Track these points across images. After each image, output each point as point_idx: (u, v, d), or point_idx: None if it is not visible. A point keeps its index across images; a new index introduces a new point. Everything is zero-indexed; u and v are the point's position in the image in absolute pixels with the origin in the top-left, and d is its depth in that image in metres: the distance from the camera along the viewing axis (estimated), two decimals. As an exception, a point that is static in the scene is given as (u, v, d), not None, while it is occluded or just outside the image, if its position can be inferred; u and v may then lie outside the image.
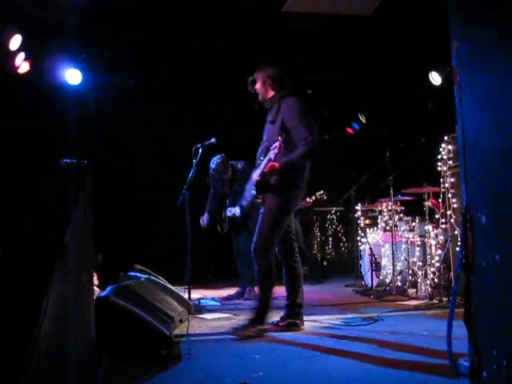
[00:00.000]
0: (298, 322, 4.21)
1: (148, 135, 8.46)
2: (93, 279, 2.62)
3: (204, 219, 6.46)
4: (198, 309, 5.27)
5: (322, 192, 7.15)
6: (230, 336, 3.99)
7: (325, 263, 9.62)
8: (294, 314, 4.23)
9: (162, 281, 4.91)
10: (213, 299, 6.09)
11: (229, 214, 6.32)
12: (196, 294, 6.24)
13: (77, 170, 2.12)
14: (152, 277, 4.81)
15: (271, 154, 4.03)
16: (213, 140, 5.77)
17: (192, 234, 5.52)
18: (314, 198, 7.22)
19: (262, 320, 4.12)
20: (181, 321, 4.30)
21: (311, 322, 4.49)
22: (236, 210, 6.19)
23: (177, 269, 5.85)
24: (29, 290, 1.63)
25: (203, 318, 4.87)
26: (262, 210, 4.22)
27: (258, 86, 4.37)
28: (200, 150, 5.63)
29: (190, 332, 4.03)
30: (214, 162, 6.26)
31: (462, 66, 2.09)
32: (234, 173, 6.33)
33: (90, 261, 2.30)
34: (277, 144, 3.97)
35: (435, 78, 7.52)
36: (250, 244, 4.29)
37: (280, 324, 4.20)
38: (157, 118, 8.36)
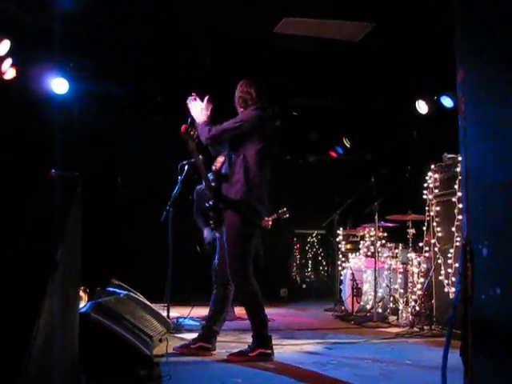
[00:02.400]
0: (269, 352, 3.89)
1: (134, 148, 8.37)
2: (79, 295, 2.53)
3: (207, 234, 6.37)
4: (176, 328, 5.16)
5: (284, 210, 7.03)
6: (210, 358, 3.89)
7: (304, 286, 9.57)
8: (262, 343, 3.92)
9: (141, 297, 4.81)
10: (192, 318, 5.97)
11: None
12: (175, 313, 6.14)
13: (69, 182, 2.05)
14: (131, 293, 4.70)
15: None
16: (200, 157, 5.73)
17: (173, 251, 5.45)
18: (275, 216, 7.11)
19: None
20: (160, 340, 4.20)
21: (293, 346, 4.42)
22: (207, 235, 6.19)
23: (155, 286, 5.75)
24: (20, 308, 1.55)
25: (182, 338, 4.76)
26: (219, 236, 4.11)
27: None
28: (186, 167, 5.58)
29: (169, 352, 3.93)
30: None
31: (467, 95, 2.08)
32: None
33: (77, 276, 2.21)
34: None
35: (421, 107, 7.60)
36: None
37: (250, 355, 3.87)
38: (144, 131, 8.27)
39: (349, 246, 7.68)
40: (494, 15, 2.00)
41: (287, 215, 6.96)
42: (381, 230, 7.06)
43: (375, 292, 6.25)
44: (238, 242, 3.94)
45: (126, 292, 4.61)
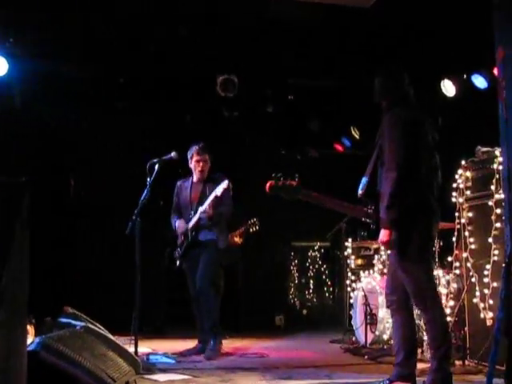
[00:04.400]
0: None
1: (91, 143, 8.36)
2: (26, 331, 2.51)
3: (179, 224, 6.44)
4: (147, 367, 5.14)
5: (254, 220, 7.01)
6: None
7: (304, 312, 9.56)
8: None
9: (102, 330, 4.79)
10: (166, 355, 5.96)
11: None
12: (144, 348, 6.12)
13: (12, 191, 2.02)
14: (89, 325, 4.66)
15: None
16: (172, 154, 5.75)
17: (142, 270, 5.44)
18: (242, 229, 7.09)
19: None
20: (127, 383, 4.20)
21: (292, 389, 4.42)
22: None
23: (120, 314, 5.78)
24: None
25: (155, 381, 4.75)
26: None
27: None
28: (156, 167, 5.58)
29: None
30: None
31: (509, 78, 2.09)
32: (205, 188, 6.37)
33: (25, 309, 2.19)
34: None
35: (448, 88, 7.61)
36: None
37: None
38: (103, 122, 8.24)
39: (360, 262, 7.67)
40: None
41: (257, 227, 6.96)
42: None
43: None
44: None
45: (83, 323, 4.59)
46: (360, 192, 4.50)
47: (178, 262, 6.40)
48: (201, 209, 6.14)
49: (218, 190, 6.02)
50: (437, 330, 4.17)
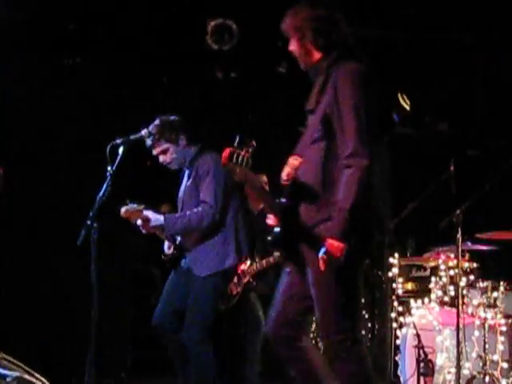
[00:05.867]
0: None
1: (27, 118, 8.32)
2: None
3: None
4: None
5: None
6: None
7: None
8: None
9: (42, 382, 4.86)
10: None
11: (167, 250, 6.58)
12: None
13: None
14: (25, 375, 4.77)
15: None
16: (143, 132, 5.71)
17: (100, 295, 5.37)
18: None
19: None
20: None
21: None
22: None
23: (68, 359, 5.76)
24: None
25: None
26: None
27: (292, 45, 4.48)
28: (120, 150, 5.50)
29: None
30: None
31: None
32: (190, 169, 6.52)
33: None
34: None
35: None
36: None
37: None
38: (45, 89, 8.21)
39: (410, 287, 7.63)
40: None
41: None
42: (467, 257, 7.00)
43: (458, 367, 6.19)
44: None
45: (16, 373, 4.68)
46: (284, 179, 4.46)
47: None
48: None
49: None
50: None
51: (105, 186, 5.45)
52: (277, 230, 4.35)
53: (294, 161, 4.37)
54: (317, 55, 4.41)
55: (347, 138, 4.09)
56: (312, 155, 4.24)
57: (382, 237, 4.41)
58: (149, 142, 6.08)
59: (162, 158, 6.44)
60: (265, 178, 6.61)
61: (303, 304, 4.35)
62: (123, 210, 6.26)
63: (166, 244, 6.58)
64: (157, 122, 6.37)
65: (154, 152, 6.40)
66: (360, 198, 4.05)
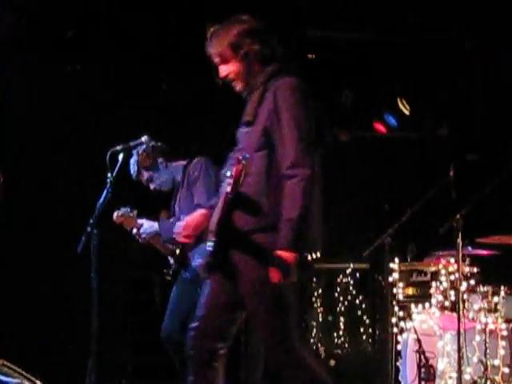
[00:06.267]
0: None
1: (28, 124, 8.31)
2: None
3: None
4: None
5: None
6: None
7: (332, 362, 9.52)
8: None
9: None
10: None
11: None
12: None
13: None
14: (25, 382, 4.82)
15: (226, 187, 4.05)
16: (143, 139, 5.69)
17: (99, 303, 5.37)
18: None
19: None
20: None
21: None
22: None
23: (69, 366, 5.82)
24: None
25: None
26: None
27: (230, 67, 4.32)
28: (120, 157, 5.50)
29: None
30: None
31: None
32: (183, 177, 6.48)
33: None
34: (233, 170, 3.98)
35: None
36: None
37: None
38: (46, 95, 8.20)
39: (411, 292, 7.60)
40: None
41: None
42: (467, 261, 7.01)
43: (459, 373, 6.19)
44: None
45: (16, 380, 4.74)
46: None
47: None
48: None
49: None
50: None
51: (105, 192, 5.46)
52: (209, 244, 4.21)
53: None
54: (255, 72, 4.32)
55: (288, 149, 4.09)
56: (254, 164, 4.14)
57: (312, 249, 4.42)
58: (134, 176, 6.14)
59: (151, 186, 6.52)
60: None
61: (228, 314, 4.31)
62: (115, 214, 6.30)
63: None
64: (132, 160, 6.41)
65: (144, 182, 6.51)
66: (305, 207, 4.06)
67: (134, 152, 6.35)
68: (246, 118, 4.32)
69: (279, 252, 3.97)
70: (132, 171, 6.36)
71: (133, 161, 6.35)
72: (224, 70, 4.31)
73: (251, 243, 4.14)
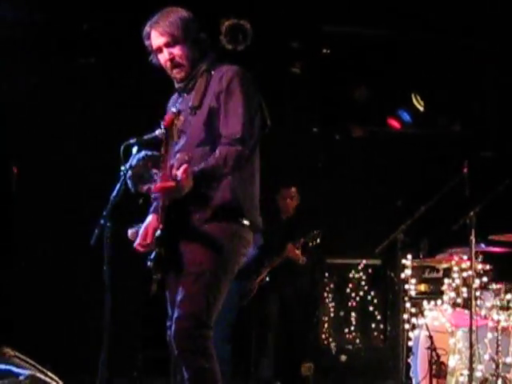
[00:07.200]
0: None
1: (43, 117, 8.33)
2: None
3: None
4: None
5: (316, 232, 7.11)
6: None
7: (343, 358, 9.52)
8: None
9: (54, 380, 4.86)
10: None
11: None
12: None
13: None
14: (37, 373, 4.78)
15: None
16: (157, 132, 5.67)
17: (113, 295, 5.38)
18: (301, 241, 7.11)
19: None
20: None
21: None
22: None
23: (81, 358, 5.98)
24: None
25: None
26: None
27: (177, 51, 4.29)
28: (134, 150, 5.51)
29: None
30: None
31: None
32: None
33: None
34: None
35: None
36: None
37: None
38: (60, 88, 8.22)
39: (423, 288, 7.61)
40: None
41: (318, 241, 6.96)
42: (480, 259, 6.99)
43: (471, 370, 6.19)
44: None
45: (27, 371, 4.68)
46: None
47: None
48: None
49: None
50: None
51: (118, 185, 5.48)
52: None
53: (185, 156, 4.32)
54: (197, 59, 4.30)
55: (235, 121, 4.10)
56: (197, 157, 4.20)
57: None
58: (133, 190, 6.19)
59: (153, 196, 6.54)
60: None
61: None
62: (129, 232, 6.30)
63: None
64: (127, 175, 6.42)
65: None
66: (224, 171, 4.05)
67: (127, 166, 6.34)
68: (192, 104, 4.30)
69: (179, 172, 4.01)
70: (130, 185, 6.30)
71: (128, 176, 6.31)
72: (170, 52, 4.26)
73: (201, 234, 4.20)
